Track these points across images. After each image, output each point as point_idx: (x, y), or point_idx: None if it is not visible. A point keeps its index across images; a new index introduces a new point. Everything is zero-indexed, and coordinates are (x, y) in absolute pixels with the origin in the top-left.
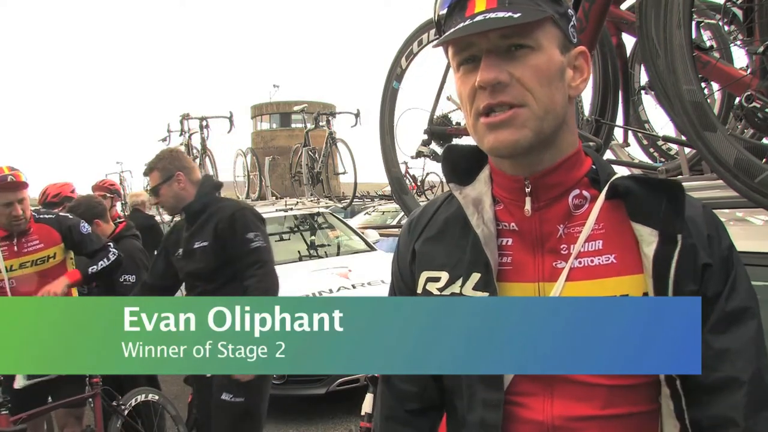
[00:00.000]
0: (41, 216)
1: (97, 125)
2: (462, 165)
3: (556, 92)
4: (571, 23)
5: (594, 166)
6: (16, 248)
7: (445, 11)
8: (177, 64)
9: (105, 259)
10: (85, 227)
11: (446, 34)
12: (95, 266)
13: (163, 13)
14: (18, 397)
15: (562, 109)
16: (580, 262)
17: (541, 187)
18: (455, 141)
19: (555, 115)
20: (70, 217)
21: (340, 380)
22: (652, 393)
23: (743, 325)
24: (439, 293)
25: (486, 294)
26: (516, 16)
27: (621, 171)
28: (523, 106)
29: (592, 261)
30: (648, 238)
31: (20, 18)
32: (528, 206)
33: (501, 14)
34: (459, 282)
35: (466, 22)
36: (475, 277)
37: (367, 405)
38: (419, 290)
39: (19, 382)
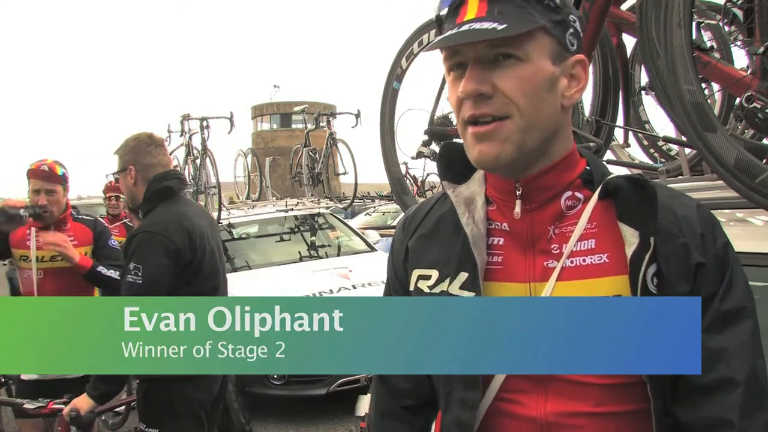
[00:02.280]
0: (80, 216)
1: (97, 125)
2: (457, 164)
3: (542, 104)
4: (569, 31)
5: (588, 167)
6: None
7: (443, 12)
8: (177, 64)
9: (116, 271)
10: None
11: (435, 40)
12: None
13: (163, 13)
14: (29, 390)
15: (549, 120)
16: (572, 262)
17: (532, 190)
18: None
19: (540, 127)
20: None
21: (341, 381)
22: (646, 392)
23: (739, 325)
24: (429, 291)
25: (472, 294)
26: (500, 28)
27: (621, 172)
28: (506, 119)
29: (584, 260)
30: (630, 239)
31: (20, 18)
32: (518, 208)
33: (486, 25)
34: (447, 280)
35: (454, 31)
36: (463, 276)
37: (366, 405)
38: (411, 288)
39: (30, 375)
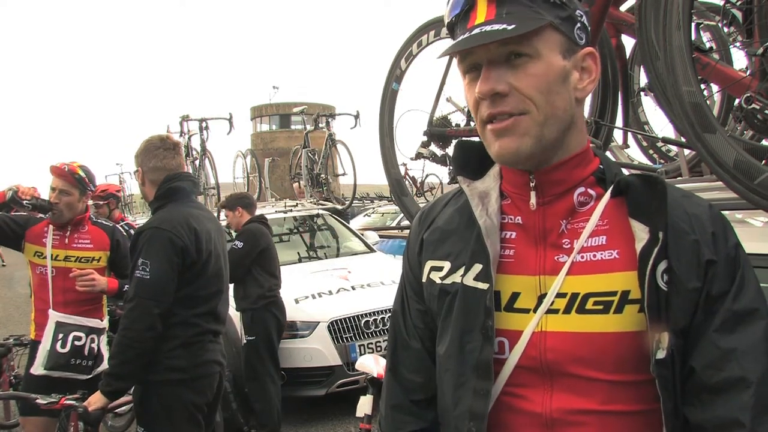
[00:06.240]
0: (98, 220)
1: (96, 126)
2: (471, 162)
3: (557, 98)
4: (577, 25)
5: (601, 166)
6: (66, 240)
7: (452, 19)
8: (177, 64)
9: None
10: None
11: (449, 47)
12: None
13: (163, 13)
14: (37, 384)
15: (565, 113)
16: (582, 257)
17: (546, 183)
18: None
19: (557, 120)
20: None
21: (340, 381)
22: (655, 391)
23: (752, 325)
24: (440, 282)
25: (486, 285)
26: (510, 28)
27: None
28: (524, 114)
29: (594, 256)
30: (640, 235)
31: (20, 18)
32: (533, 200)
33: (497, 26)
34: (461, 271)
35: (466, 35)
36: (477, 267)
37: (365, 407)
38: (423, 279)
39: (38, 369)
